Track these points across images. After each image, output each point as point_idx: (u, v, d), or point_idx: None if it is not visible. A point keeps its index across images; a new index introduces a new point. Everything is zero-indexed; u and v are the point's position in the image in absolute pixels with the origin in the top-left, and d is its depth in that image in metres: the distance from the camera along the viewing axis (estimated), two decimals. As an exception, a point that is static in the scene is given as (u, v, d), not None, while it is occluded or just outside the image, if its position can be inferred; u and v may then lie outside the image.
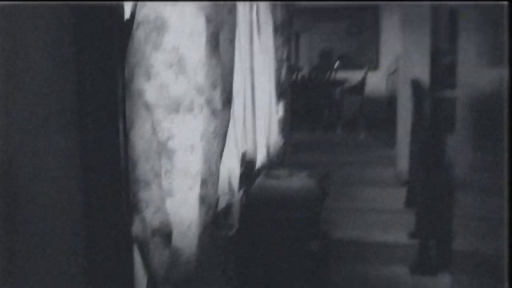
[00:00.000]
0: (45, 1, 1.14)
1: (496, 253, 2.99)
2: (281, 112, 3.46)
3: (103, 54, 1.27)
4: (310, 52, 9.75)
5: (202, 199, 1.58)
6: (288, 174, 2.72)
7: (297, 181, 2.37)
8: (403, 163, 3.77)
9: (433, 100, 3.65)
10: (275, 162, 3.34)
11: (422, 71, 3.77)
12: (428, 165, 3.08)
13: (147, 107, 1.40)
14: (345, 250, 3.18)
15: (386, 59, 7.14)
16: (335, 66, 8.16)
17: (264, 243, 2.33)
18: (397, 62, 5.19)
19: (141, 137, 1.38)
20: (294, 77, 6.40)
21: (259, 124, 2.90)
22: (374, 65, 7.20)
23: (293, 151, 4.56)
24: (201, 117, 1.55)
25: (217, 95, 1.63)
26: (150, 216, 1.39)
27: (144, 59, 1.39)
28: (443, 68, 3.94)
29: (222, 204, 2.19)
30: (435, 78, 3.83)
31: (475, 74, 3.68)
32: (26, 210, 1.05)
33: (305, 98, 6.52)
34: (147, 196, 1.39)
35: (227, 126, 1.77)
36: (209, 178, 1.60)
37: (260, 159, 2.87)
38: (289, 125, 4.25)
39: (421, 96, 3.42)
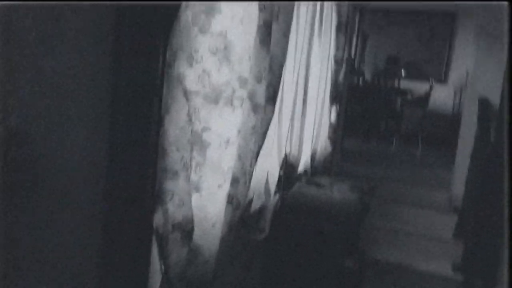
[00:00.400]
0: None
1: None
2: (333, 117, 3.29)
3: (145, 33, 1.20)
4: (376, 56, 9.36)
5: (231, 198, 1.48)
6: (330, 183, 2.56)
7: (338, 193, 2.21)
8: (459, 188, 3.47)
9: (501, 123, 3.30)
10: (320, 168, 3.18)
11: (493, 89, 3.42)
12: (485, 195, 2.78)
13: (186, 93, 1.32)
14: (381, 272, 2.97)
15: (456, 73, 6.67)
16: (400, 75, 7.77)
17: (295, 253, 2.20)
18: (467, 77, 4.81)
19: (176, 124, 1.30)
20: (354, 80, 6.15)
21: (307, 126, 2.76)
22: (442, 78, 6.75)
23: (342, 159, 4.36)
24: (241, 111, 1.45)
25: (261, 89, 1.51)
26: (174, 208, 1.31)
27: (189, 42, 1.30)
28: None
29: (255, 206, 2.09)
30: (508, 98, 3.46)
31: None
32: (48, 187, 1.00)
33: (364, 104, 6.25)
34: (173, 187, 1.31)
35: (269, 124, 1.65)
36: (242, 177, 1.50)
37: (303, 163, 2.73)
38: (341, 131, 4.05)
39: (488, 117, 3.10)
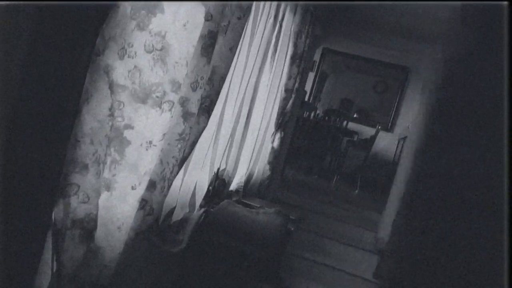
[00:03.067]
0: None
1: None
2: (276, 143, 3.32)
3: (75, 16, 1.15)
4: (332, 95, 9.69)
5: (144, 202, 1.42)
6: (260, 206, 2.54)
7: (264, 216, 2.20)
8: (385, 231, 3.57)
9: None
10: (255, 190, 3.17)
11: (431, 142, 3.60)
12: (406, 240, 2.88)
13: (111, 86, 1.27)
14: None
15: (402, 124, 7.01)
16: (351, 116, 8.05)
17: (211, 271, 2.14)
18: (408, 129, 5.06)
19: (94, 115, 1.24)
20: (306, 114, 6.29)
21: (247, 147, 2.76)
22: (388, 127, 7.06)
23: (281, 186, 4.38)
24: (169, 115, 1.41)
25: (195, 98, 1.49)
26: (77, 204, 1.24)
27: (124, 35, 1.26)
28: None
29: (177, 216, 2.03)
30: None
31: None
32: None
33: (312, 138, 6.37)
34: (80, 181, 1.23)
35: (200, 134, 1.62)
36: (159, 182, 1.45)
37: (237, 182, 2.71)
38: (284, 159, 4.09)
39: (421, 169, 3.26)
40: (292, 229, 2.40)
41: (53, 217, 1.23)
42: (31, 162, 1.15)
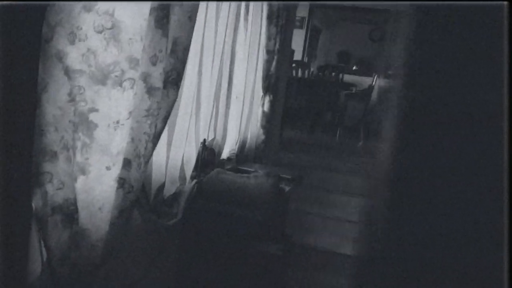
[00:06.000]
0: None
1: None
2: (266, 107, 3.32)
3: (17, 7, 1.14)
4: (327, 51, 9.53)
5: (122, 181, 1.45)
6: (254, 170, 2.58)
7: (254, 179, 2.23)
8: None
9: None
10: (251, 156, 3.20)
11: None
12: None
13: (67, 72, 1.28)
14: (306, 257, 3.04)
15: (400, 70, 6.89)
16: (350, 69, 7.94)
17: (211, 239, 2.20)
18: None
19: (54, 103, 1.25)
20: (302, 73, 6.22)
21: (234, 114, 2.76)
22: (386, 75, 6.95)
23: (281, 148, 4.41)
24: (132, 93, 1.42)
25: (157, 72, 1.49)
26: (53, 191, 1.27)
27: (70, 19, 1.26)
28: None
29: (169, 191, 2.07)
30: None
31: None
32: None
33: (310, 96, 6.34)
34: (52, 169, 1.27)
35: (171, 108, 1.63)
36: (134, 160, 1.48)
37: (229, 150, 2.73)
38: (279, 121, 4.09)
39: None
40: (287, 188, 2.43)
41: (33, 207, 1.28)
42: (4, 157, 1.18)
